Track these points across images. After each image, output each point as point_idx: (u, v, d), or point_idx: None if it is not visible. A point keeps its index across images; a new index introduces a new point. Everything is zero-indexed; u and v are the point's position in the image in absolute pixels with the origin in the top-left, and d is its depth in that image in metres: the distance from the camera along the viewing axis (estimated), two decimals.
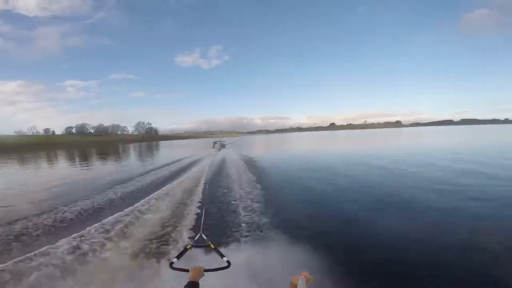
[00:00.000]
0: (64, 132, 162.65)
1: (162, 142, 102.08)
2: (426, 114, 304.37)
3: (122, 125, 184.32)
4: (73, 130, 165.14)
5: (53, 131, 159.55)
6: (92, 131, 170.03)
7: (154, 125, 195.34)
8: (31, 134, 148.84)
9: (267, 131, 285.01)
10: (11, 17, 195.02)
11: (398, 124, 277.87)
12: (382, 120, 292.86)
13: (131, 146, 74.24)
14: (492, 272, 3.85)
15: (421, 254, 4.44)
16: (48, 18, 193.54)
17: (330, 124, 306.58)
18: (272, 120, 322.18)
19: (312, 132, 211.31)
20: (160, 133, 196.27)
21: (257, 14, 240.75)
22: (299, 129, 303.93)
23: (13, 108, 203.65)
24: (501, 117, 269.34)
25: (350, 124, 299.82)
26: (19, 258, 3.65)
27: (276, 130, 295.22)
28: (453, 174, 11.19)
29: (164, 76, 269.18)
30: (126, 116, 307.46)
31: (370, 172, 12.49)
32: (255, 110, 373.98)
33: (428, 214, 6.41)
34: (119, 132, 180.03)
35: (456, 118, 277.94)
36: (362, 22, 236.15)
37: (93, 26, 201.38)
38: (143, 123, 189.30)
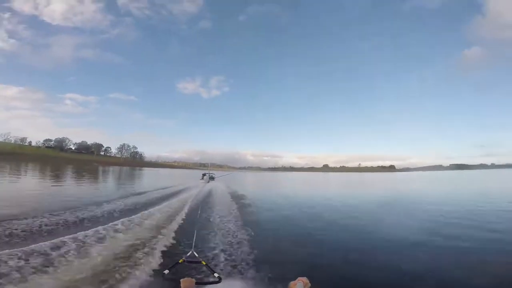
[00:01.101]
0: (41, 144, 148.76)
1: (146, 170, 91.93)
2: (415, 158, 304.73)
3: (106, 145, 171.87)
4: (52, 144, 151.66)
5: (30, 141, 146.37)
6: (72, 147, 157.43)
7: (140, 150, 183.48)
8: (2, 141, 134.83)
9: (260, 168, 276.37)
10: (36, 22, 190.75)
11: (392, 168, 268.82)
12: (375, 164, 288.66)
13: (111, 169, 70.71)
14: None
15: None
16: (69, 28, 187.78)
17: (323, 165, 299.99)
18: (266, 158, 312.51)
19: (305, 172, 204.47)
20: (146, 159, 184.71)
21: (262, 51, 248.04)
22: (292, 168, 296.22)
23: (5, 114, 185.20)
24: (488, 162, 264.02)
25: (344, 167, 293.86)
26: None
27: (268, 168, 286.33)
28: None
29: (162, 101, 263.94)
30: (117, 138, 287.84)
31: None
32: (248, 146, 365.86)
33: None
34: (101, 153, 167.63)
35: (446, 163, 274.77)
36: (361, 61, 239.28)
37: (107, 41, 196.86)
38: (128, 146, 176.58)
